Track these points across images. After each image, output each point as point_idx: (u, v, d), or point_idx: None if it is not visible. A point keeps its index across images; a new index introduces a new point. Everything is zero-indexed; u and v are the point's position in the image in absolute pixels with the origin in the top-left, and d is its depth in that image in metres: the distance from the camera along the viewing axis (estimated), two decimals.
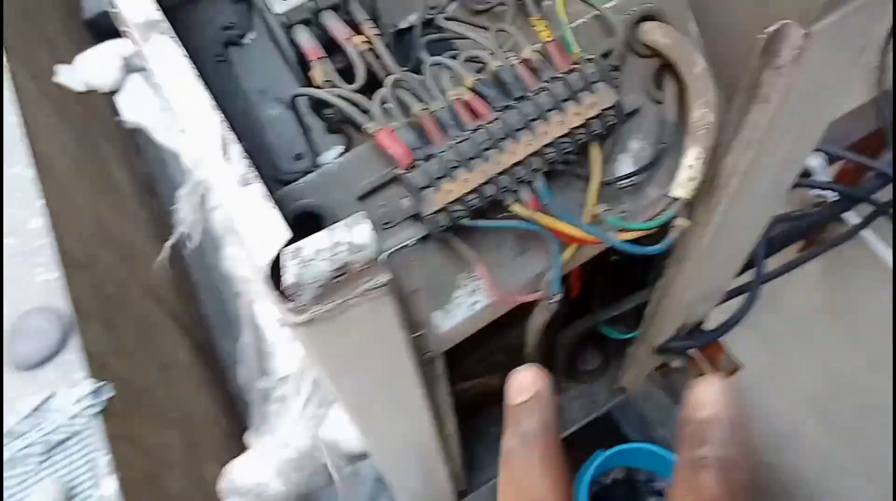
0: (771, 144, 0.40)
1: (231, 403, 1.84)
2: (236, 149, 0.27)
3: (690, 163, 0.37)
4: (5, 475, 1.00)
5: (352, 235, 0.26)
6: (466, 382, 0.75)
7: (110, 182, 1.71)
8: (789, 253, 0.95)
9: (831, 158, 0.92)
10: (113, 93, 1.14)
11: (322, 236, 0.26)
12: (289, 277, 0.25)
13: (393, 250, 0.29)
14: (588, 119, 0.35)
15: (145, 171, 2.11)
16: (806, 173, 0.96)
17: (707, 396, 0.26)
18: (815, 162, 0.93)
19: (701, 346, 0.75)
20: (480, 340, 0.63)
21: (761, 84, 0.36)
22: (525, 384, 0.29)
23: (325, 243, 0.26)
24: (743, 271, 0.79)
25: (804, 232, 0.86)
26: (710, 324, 0.77)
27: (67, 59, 1.14)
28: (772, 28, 0.32)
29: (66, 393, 1.07)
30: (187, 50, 0.33)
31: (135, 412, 1.20)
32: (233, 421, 1.73)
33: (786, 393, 1.67)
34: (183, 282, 1.97)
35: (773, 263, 0.91)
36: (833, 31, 0.34)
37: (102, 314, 1.26)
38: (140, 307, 1.48)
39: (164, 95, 0.33)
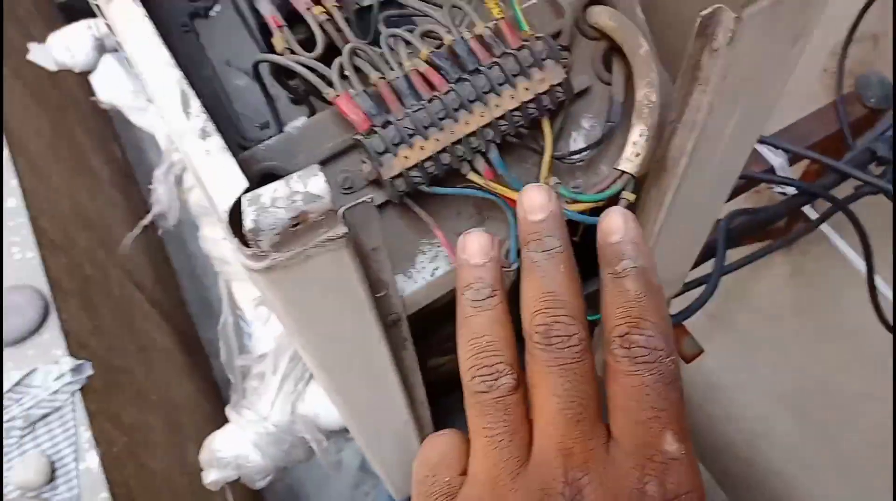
0: (714, 126, 0.43)
1: (213, 388, 1.85)
2: (196, 103, 0.29)
3: (635, 139, 0.39)
4: None
5: (307, 185, 0.28)
6: (440, 358, 0.77)
7: (87, 166, 1.72)
8: (753, 249, 0.98)
9: (794, 158, 0.95)
10: (87, 73, 1.14)
11: (279, 184, 0.28)
12: (248, 222, 0.27)
13: (350, 205, 0.31)
14: (538, 94, 0.37)
15: (122, 157, 2.11)
16: (771, 171, 0.99)
17: (615, 223, 0.31)
18: (777, 161, 0.96)
19: None
20: (451, 316, 0.66)
21: (700, 66, 0.38)
22: (541, 202, 0.31)
23: (282, 191, 0.28)
24: (707, 260, 0.82)
25: (764, 225, 0.89)
26: (674, 310, 0.80)
27: (38, 39, 1.15)
28: (705, 12, 0.35)
29: (47, 370, 1.08)
30: (155, 19, 0.35)
31: (115, 391, 1.21)
32: (215, 406, 1.74)
33: (758, 391, 1.71)
34: (162, 269, 1.98)
35: (737, 258, 0.94)
36: (765, 16, 0.36)
37: (81, 295, 1.27)
38: (119, 291, 1.49)
39: (127, 57, 0.35)
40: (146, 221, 0.98)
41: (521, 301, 0.31)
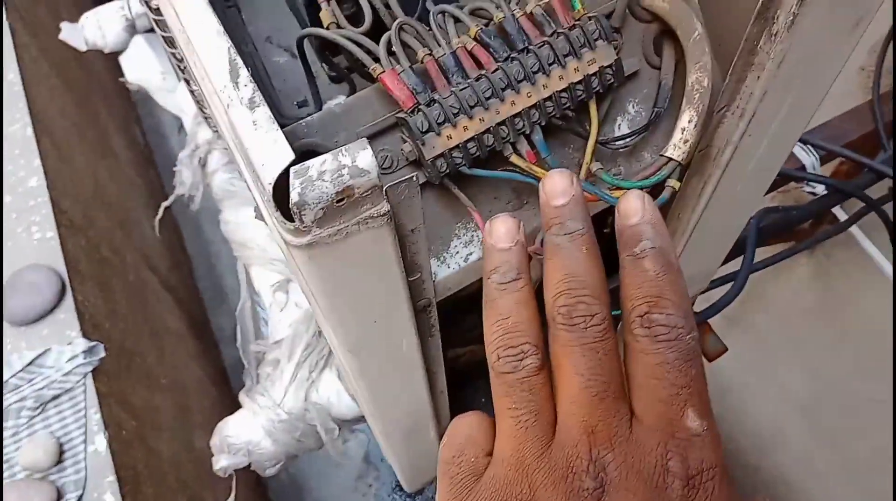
0: (763, 115, 0.42)
1: (223, 374, 1.85)
2: (244, 73, 0.28)
3: (684, 125, 0.38)
4: None
5: (355, 159, 0.27)
6: (459, 348, 0.76)
7: (109, 148, 1.72)
8: (780, 249, 0.97)
9: (827, 156, 0.93)
10: (116, 54, 1.14)
11: (327, 157, 0.27)
12: (294, 195, 0.26)
13: (394, 183, 0.30)
14: (587, 76, 0.36)
15: (143, 141, 2.11)
16: (802, 169, 0.98)
17: (634, 205, 0.31)
18: (808, 160, 0.94)
19: None
20: (473, 306, 0.64)
21: (757, 51, 0.37)
22: (563, 187, 0.31)
23: (330, 164, 0.27)
24: (733, 259, 0.81)
25: (795, 223, 0.87)
26: (699, 307, 0.78)
27: (68, 18, 1.15)
28: None
29: (60, 351, 1.08)
30: None
31: (126, 374, 1.21)
32: (223, 392, 1.74)
33: (772, 394, 1.69)
34: (178, 255, 1.98)
35: (762, 258, 0.92)
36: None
37: (97, 277, 1.27)
38: (134, 274, 1.49)
39: (173, 27, 0.34)
40: (168, 202, 0.98)
41: (544, 284, 0.32)
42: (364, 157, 0.28)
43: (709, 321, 0.78)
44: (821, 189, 0.93)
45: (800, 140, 0.90)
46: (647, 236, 0.30)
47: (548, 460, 0.29)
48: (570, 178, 0.31)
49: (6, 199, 1.23)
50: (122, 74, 1.15)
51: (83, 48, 1.00)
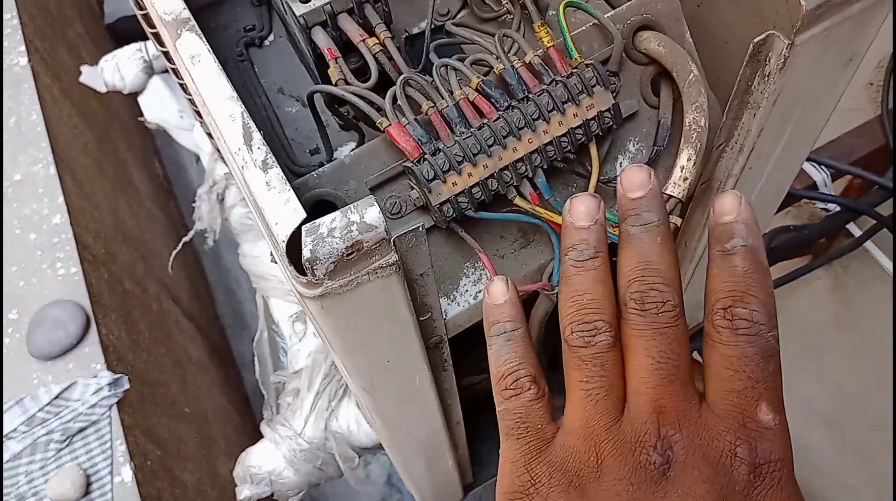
0: (762, 148, 0.43)
1: (245, 400, 1.87)
2: (257, 136, 0.30)
3: (683, 164, 0.39)
4: (27, 460, 1.03)
5: (363, 215, 0.29)
6: (475, 376, 0.77)
7: (129, 183, 1.76)
8: (796, 265, 0.97)
9: (836, 173, 0.94)
10: (135, 94, 1.17)
11: (336, 215, 0.28)
12: (306, 251, 0.28)
13: (402, 233, 0.32)
14: (586, 120, 0.38)
15: (162, 173, 2.15)
16: (813, 187, 0.98)
17: (730, 205, 0.31)
18: (820, 177, 0.95)
19: (701, 349, 0.77)
20: None
21: (751, 91, 0.38)
22: (641, 180, 0.32)
23: (339, 222, 0.28)
24: None
25: (806, 243, 0.87)
26: None
27: (88, 61, 1.18)
28: (758, 38, 0.35)
29: (85, 383, 1.10)
30: (212, 49, 0.36)
31: (150, 404, 1.23)
32: (245, 419, 1.76)
33: (794, 408, 1.67)
34: (198, 283, 2.01)
35: (779, 275, 0.92)
36: (817, 41, 0.36)
37: (120, 309, 1.30)
38: (156, 305, 1.52)
39: (190, 90, 0.36)
40: (188, 238, 1.00)
41: (617, 273, 0.33)
42: (371, 213, 0.29)
43: None
44: (833, 206, 0.94)
45: (809, 159, 0.91)
46: (740, 234, 0.31)
47: (617, 433, 0.30)
48: (647, 172, 0.32)
49: (31, 236, 1.26)
50: (140, 110, 1.18)
51: (103, 90, 1.03)
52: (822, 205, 1.00)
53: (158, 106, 1.02)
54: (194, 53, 0.32)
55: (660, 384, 0.30)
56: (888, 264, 1.17)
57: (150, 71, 1.04)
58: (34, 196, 1.30)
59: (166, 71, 1.03)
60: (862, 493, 1.53)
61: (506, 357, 0.33)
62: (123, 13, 2.03)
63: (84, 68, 1.03)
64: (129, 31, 1.90)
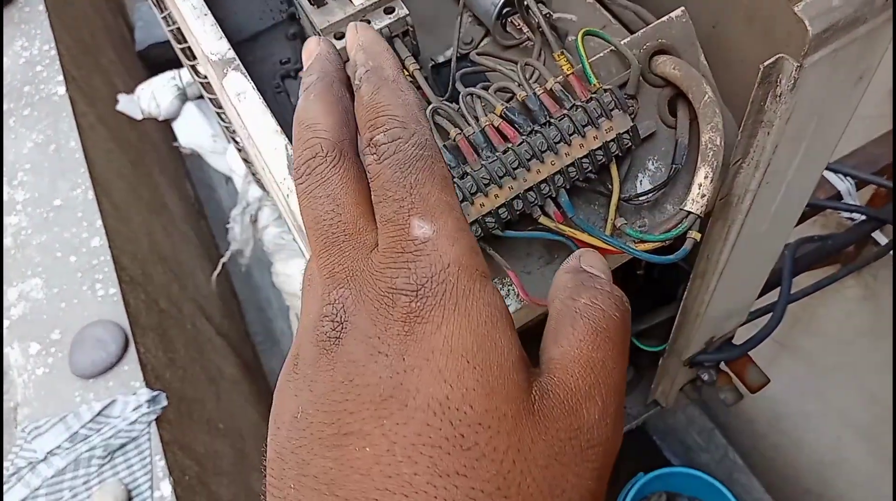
0: (778, 165, 0.44)
1: None
2: None
3: (700, 181, 0.41)
4: (70, 475, 1.06)
5: None
6: None
7: (163, 204, 1.81)
8: (825, 273, 0.97)
9: (859, 183, 0.94)
10: (168, 120, 1.22)
11: None
12: None
13: None
14: (606, 142, 0.40)
15: (194, 194, 2.21)
16: (838, 197, 0.98)
17: (348, 40, 0.30)
18: (843, 187, 0.95)
19: (729, 360, 0.78)
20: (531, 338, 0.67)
21: (764, 111, 0.40)
22: (309, 49, 0.31)
23: None
24: (773, 289, 0.82)
25: (831, 253, 0.88)
26: (740, 340, 0.80)
27: (122, 88, 1.23)
28: (768, 62, 0.36)
29: (125, 401, 1.14)
30: (251, 81, 0.38)
31: (187, 421, 1.26)
32: None
33: (828, 419, 1.66)
34: (230, 302, 2.05)
35: (808, 284, 0.93)
36: (826, 62, 0.37)
37: (156, 329, 1.34)
38: (190, 323, 1.56)
39: (235, 124, 0.38)
40: (226, 257, 1.03)
41: None
42: None
43: (760, 345, 0.79)
44: (858, 215, 0.94)
45: (832, 169, 0.92)
46: (360, 62, 0.29)
47: (305, 313, 0.27)
48: (315, 41, 0.31)
49: (72, 259, 1.31)
50: (173, 135, 1.22)
51: (139, 117, 1.07)
52: (847, 214, 1.00)
53: (192, 131, 1.06)
54: (240, 91, 0.35)
55: (324, 249, 0.26)
56: None
57: (183, 98, 1.08)
58: (74, 220, 1.35)
59: (199, 97, 1.07)
60: None
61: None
62: (154, 40, 2.09)
63: (121, 97, 1.08)
64: (159, 57, 1.96)
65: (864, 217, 0.91)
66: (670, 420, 1.99)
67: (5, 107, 1.51)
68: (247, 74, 0.36)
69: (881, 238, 1.06)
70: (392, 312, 0.24)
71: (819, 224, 1.36)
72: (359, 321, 0.24)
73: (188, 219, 1.98)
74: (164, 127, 1.31)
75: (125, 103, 1.07)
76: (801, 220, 0.96)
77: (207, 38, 0.37)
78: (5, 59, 1.59)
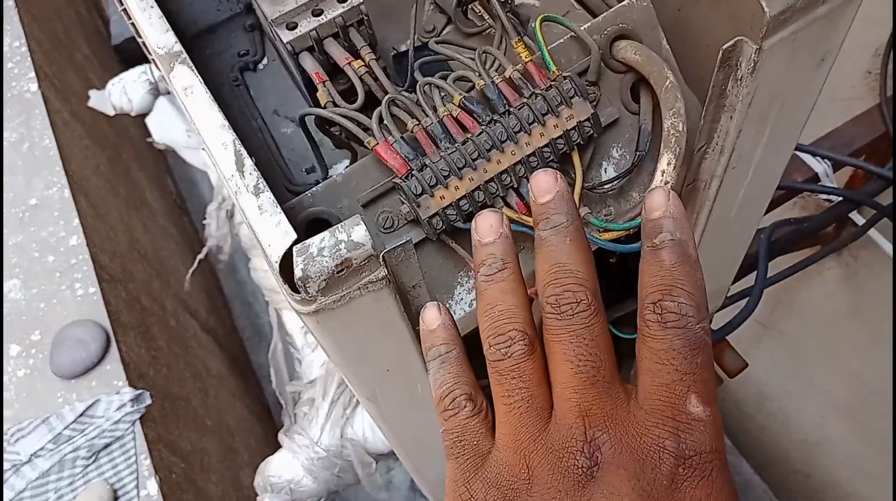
0: (743, 148, 0.44)
1: (266, 411, 1.89)
2: (249, 163, 0.31)
3: (663, 168, 0.40)
4: (55, 477, 1.05)
5: (350, 234, 0.30)
6: (482, 380, 0.78)
7: (142, 201, 1.79)
8: (803, 255, 0.97)
9: (837, 164, 0.94)
10: (142, 116, 1.20)
11: (324, 235, 0.30)
12: (297, 271, 0.30)
13: (390, 248, 0.33)
14: (567, 131, 0.39)
15: (175, 190, 2.19)
16: (815, 178, 0.99)
17: (658, 201, 0.32)
18: (820, 168, 0.95)
19: None
20: None
21: (726, 94, 0.39)
22: (548, 185, 0.32)
23: (328, 241, 0.30)
24: (750, 274, 0.82)
25: (807, 236, 0.88)
26: (717, 324, 0.80)
27: (97, 83, 1.22)
28: (727, 45, 0.36)
29: (108, 400, 1.13)
30: (208, 74, 0.38)
31: (172, 418, 1.25)
32: (267, 429, 1.78)
33: (814, 400, 1.67)
34: (215, 297, 2.04)
35: (788, 265, 0.93)
36: (786, 44, 0.37)
37: (139, 326, 1.33)
38: (174, 320, 1.55)
39: (187, 117, 0.37)
40: (202, 255, 1.02)
41: (536, 279, 0.33)
42: (358, 231, 0.31)
43: (743, 328, 0.79)
44: (836, 196, 0.94)
45: (808, 150, 0.92)
46: (668, 229, 0.31)
47: (544, 442, 0.30)
48: (554, 176, 0.33)
49: (49, 258, 1.29)
50: (149, 131, 1.21)
51: (111, 113, 1.06)
52: (825, 196, 1.00)
53: (166, 126, 1.05)
54: (187, 85, 0.34)
55: (581, 387, 0.29)
56: (891, 252, 1.16)
57: (155, 92, 1.06)
58: (50, 219, 1.33)
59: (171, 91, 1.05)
60: (885, 481, 1.52)
61: (442, 379, 0.33)
62: (130, 34, 2.06)
63: (92, 93, 1.06)
64: (136, 51, 1.93)
65: (841, 198, 0.91)
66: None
67: None
68: (194, 67, 0.35)
69: (858, 219, 1.06)
70: (660, 467, 0.28)
71: (798, 206, 1.37)
72: (624, 463, 0.28)
73: (169, 215, 1.96)
74: (141, 122, 1.29)
75: (96, 99, 1.05)
76: (779, 202, 0.96)
77: (153, 32, 0.36)
78: None
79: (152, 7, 0.36)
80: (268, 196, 0.31)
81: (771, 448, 1.80)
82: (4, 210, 1.33)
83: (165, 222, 1.88)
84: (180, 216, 2.06)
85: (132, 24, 0.49)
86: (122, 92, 1.02)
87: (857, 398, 1.57)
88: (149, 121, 1.06)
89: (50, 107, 1.43)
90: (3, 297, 1.26)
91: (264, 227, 0.31)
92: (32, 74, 1.48)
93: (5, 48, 1.55)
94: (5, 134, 1.42)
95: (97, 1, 2.39)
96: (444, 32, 0.48)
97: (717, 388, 0.30)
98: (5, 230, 1.32)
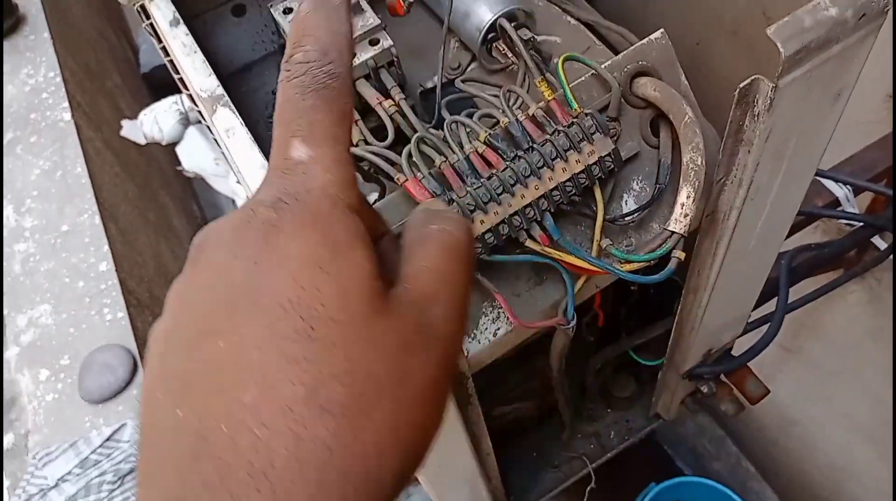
0: (761, 181, 0.45)
1: None
2: None
3: (683, 201, 0.41)
4: None
5: None
6: (505, 407, 0.79)
7: (169, 227, 1.82)
8: (829, 279, 0.97)
9: (857, 189, 0.94)
10: (173, 144, 1.24)
11: None
12: None
13: None
14: (588, 165, 0.40)
15: (201, 215, 2.23)
16: (836, 203, 0.99)
17: None
18: (841, 193, 0.96)
19: (727, 372, 0.78)
20: (515, 366, 0.68)
21: (743, 130, 0.40)
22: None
23: None
24: (771, 299, 0.82)
25: (829, 261, 0.88)
26: (739, 351, 0.80)
27: (127, 111, 1.25)
28: (744, 83, 0.37)
29: (134, 425, 1.15)
30: (244, 111, 0.40)
31: None
32: None
33: (838, 424, 1.66)
34: None
35: (808, 287, 0.93)
36: (801, 82, 0.38)
37: None
38: None
39: (226, 154, 0.39)
40: None
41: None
42: None
43: (766, 352, 0.79)
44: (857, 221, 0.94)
45: (828, 177, 0.92)
46: None
47: None
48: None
49: (79, 284, 1.32)
50: (178, 159, 1.24)
51: (143, 142, 1.09)
52: (846, 220, 1.00)
53: (195, 155, 1.08)
54: (229, 127, 0.36)
55: None
56: None
57: (186, 122, 1.09)
58: (81, 246, 1.37)
59: (200, 121, 1.08)
60: None
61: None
62: (158, 62, 2.12)
63: (124, 122, 1.09)
64: (164, 79, 1.97)
65: (862, 224, 0.91)
66: (680, 429, 1.98)
67: (13, 135, 1.53)
68: (235, 109, 0.37)
69: (880, 243, 1.06)
70: (252, 222, 0.24)
71: (820, 230, 1.37)
72: (223, 232, 0.24)
73: None
74: (170, 149, 1.33)
75: (129, 129, 1.09)
76: (800, 227, 0.96)
77: (197, 76, 0.38)
78: (12, 88, 1.62)
79: (196, 52, 0.39)
80: None
81: (795, 473, 1.77)
82: (39, 237, 1.37)
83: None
84: None
85: (170, 60, 0.51)
86: (154, 122, 1.05)
87: (881, 421, 1.55)
88: (179, 150, 1.09)
89: (82, 135, 1.47)
90: (35, 323, 1.29)
91: None
92: (66, 104, 1.52)
93: (41, 79, 1.60)
94: (39, 162, 1.46)
95: (127, 31, 2.46)
96: (469, 69, 0.50)
97: (347, 134, 0.26)
98: (38, 257, 1.35)
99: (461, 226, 0.28)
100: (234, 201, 1.17)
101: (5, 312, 1.30)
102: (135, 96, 2.07)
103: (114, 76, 2.06)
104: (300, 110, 0.26)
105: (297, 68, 0.26)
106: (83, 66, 1.84)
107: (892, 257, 0.92)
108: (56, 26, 1.77)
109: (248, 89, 0.53)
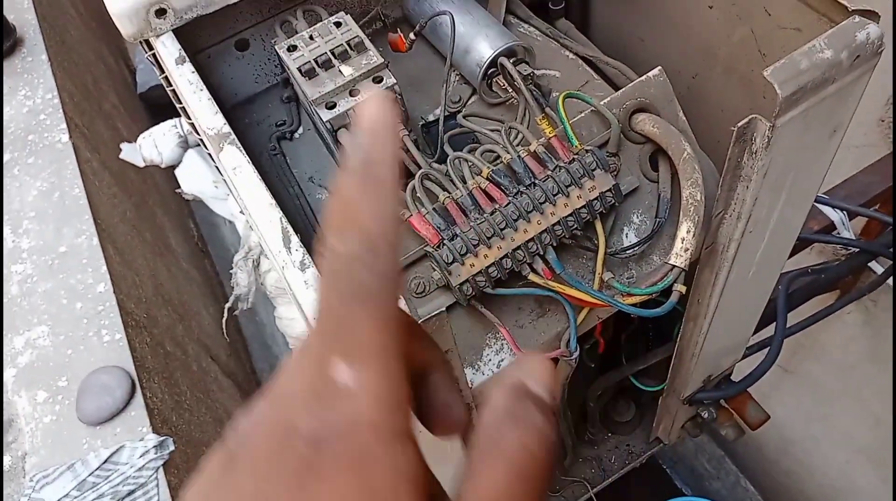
0: (759, 215, 0.45)
1: None
2: (295, 239, 0.34)
3: (683, 235, 0.42)
4: None
5: None
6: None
7: (166, 247, 1.82)
8: (824, 302, 0.98)
9: (852, 214, 0.95)
10: (172, 167, 1.24)
11: None
12: None
13: (426, 317, 0.35)
14: (589, 201, 0.41)
15: (197, 234, 2.23)
16: (831, 227, 1.00)
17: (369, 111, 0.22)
18: (836, 217, 0.96)
19: (727, 397, 0.79)
20: None
21: (741, 166, 0.41)
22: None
23: None
24: (770, 324, 0.83)
25: (825, 286, 0.89)
26: (740, 375, 0.80)
27: (125, 132, 1.25)
28: (742, 122, 0.38)
29: (132, 447, 1.15)
30: (247, 143, 0.40)
31: (194, 464, 1.26)
32: None
33: (837, 444, 1.66)
34: (235, 340, 2.06)
35: (806, 314, 0.93)
36: (798, 121, 0.39)
37: (163, 372, 1.35)
38: (196, 364, 1.57)
39: (232, 191, 0.40)
40: (230, 303, 1.05)
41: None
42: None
43: (766, 374, 0.79)
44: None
45: (824, 202, 0.93)
46: (354, 144, 0.22)
47: None
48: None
49: (77, 305, 1.32)
50: (176, 181, 1.24)
51: (141, 165, 1.09)
52: (842, 244, 1.01)
53: (194, 178, 1.08)
54: (236, 165, 0.37)
55: None
56: None
57: (185, 145, 1.10)
58: (79, 267, 1.36)
59: (199, 144, 1.09)
60: None
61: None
62: (155, 82, 2.13)
63: (123, 145, 1.10)
64: (161, 98, 1.99)
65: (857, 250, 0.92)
66: (679, 448, 1.98)
67: (11, 156, 1.54)
68: (241, 146, 0.37)
69: (877, 267, 1.07)
70: (287, 457, 0.21)
71: (816, 252, 1.38)
72: (258, 451, 0.22)
73: (192, 258, 2.00)
74: (168, 169, 1.33)
75: (128, 152, 1.09)
76: (795, 251, 0.97)
77: (204, 114, 0.39)
78: (9, 110, 1.62)
79: (202, 90, 0.39)
80: (313, 271, 0.33)
81: (795, 493, 1.77)
82: (36, 258, 1.37)
83: (188, 265, 1.91)
84: (202, 259, 2.10)
85: (172, 90, 0.52)
86: (153, 145, 1.06)
87: (879, 441, 1.56)
88: (178, 173, 1.10)
89: (80, 157, 1.48)
90: (32, 344, 1.29)
91: (310, 301, 0.33)
92: (63, 125, 1.53)
93: (38, 100, 1.60)
94: (37, 183, 1.47)
95: (124, 52, 2.48)
96: (470, 103, 0.50)
97: (396, 340, 0.22)
98: (35, 278, 1.35)
99: (544, 438, 0.23)
100: (233, 223, 1.17)
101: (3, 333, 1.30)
102: (132, 117, 2.08)
103: (111, 97, 2.07)
104: (341, 322, 0.22)
105: (338, 262, 0.22)
106: (81, 87, 1.85)
107: (891, 280, 0.93)
108: (53, 48, 1.78)
109: (251, 121, 0.54)
